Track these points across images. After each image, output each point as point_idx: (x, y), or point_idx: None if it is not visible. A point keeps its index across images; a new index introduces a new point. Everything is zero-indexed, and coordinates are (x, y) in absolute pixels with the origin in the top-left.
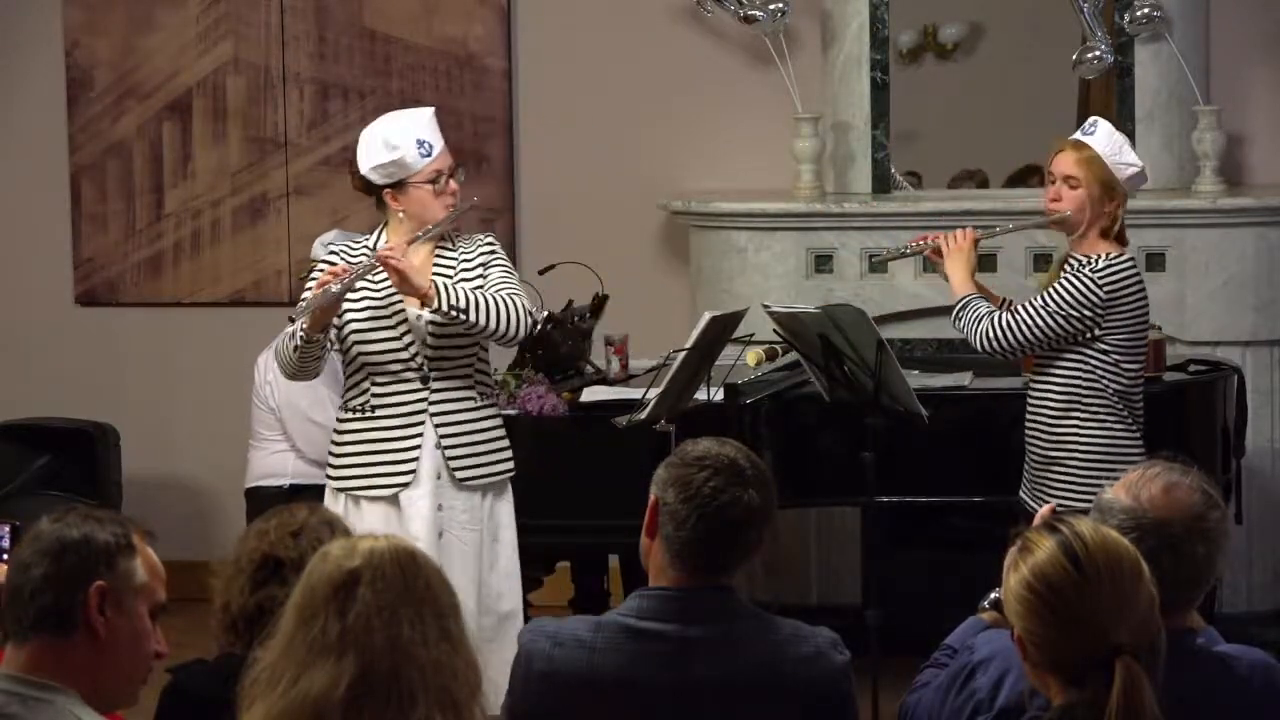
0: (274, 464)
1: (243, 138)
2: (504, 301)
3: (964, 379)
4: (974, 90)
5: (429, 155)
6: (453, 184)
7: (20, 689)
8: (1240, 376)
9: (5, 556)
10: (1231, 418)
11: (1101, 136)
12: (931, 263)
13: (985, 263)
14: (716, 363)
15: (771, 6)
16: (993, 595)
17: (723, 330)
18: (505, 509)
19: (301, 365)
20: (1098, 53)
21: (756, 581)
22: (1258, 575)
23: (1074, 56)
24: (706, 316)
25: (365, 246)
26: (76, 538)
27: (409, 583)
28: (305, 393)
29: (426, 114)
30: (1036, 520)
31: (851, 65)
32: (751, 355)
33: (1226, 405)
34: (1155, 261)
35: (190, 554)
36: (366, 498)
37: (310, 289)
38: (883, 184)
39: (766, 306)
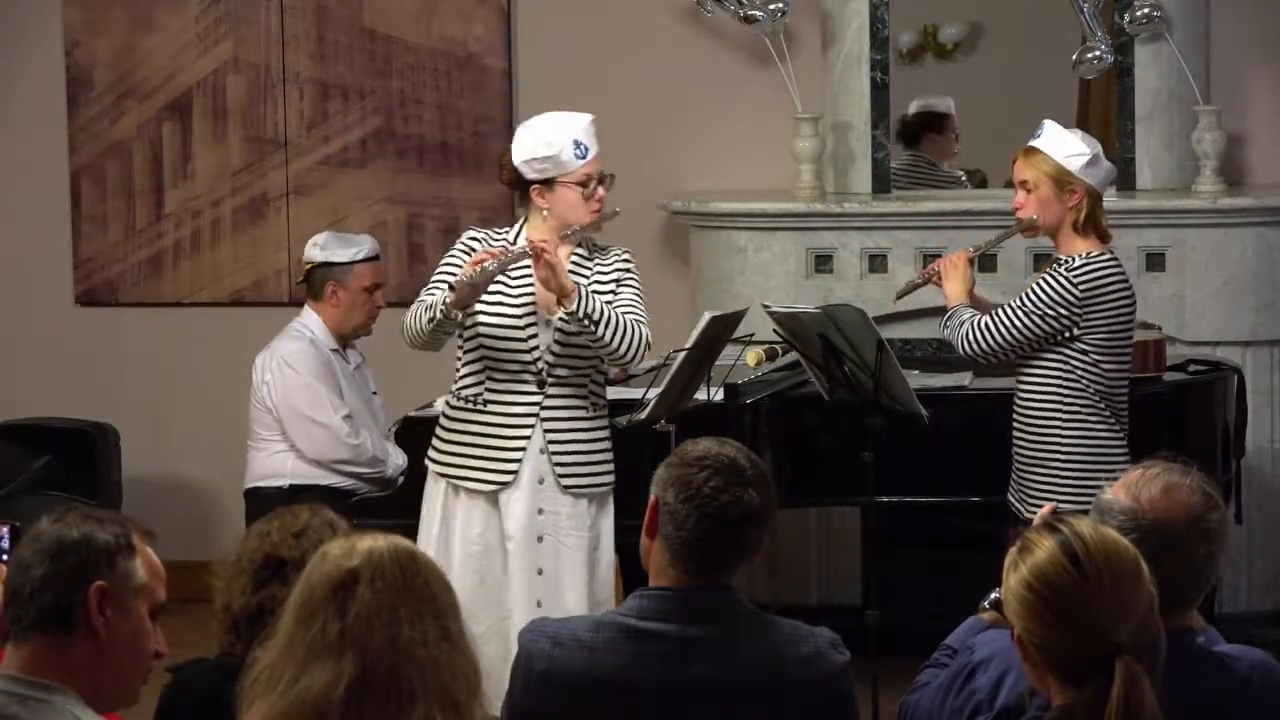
0: (273, 464)
1: (243, 138)
2: (631, 326)
3: (964, 379)
4: (974, 90)
5: (584, 158)
6: (601, 190)
7: (20, 689)
8: (1240, 376)
9: (5, 557)
10: (1231, 418)
11: (1047, 136)
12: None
13: (986, 263)
14: (716, 363)
15: (771, 6)
16: (993, 595)
17: (723, 330)
18: (607, 519)
19: (432, 338)
20: (1098, 53)
21: (756, 581)
22: (1258, 575)
23: (1074, 56)
24: (706, 316)
25: (504, 239)
26: (76, 538)
27: (408, 582)
28: (304, 393)
29: (586, 119)
30: (1037, 520)
31: (851, 65)
32: (751, 355)
33: (1226, 405)
34: (1155, 261)
35: (190, 554)
36: (466, 490)
37: (449, 266)
38: (883, 184)
39: (766, 306)
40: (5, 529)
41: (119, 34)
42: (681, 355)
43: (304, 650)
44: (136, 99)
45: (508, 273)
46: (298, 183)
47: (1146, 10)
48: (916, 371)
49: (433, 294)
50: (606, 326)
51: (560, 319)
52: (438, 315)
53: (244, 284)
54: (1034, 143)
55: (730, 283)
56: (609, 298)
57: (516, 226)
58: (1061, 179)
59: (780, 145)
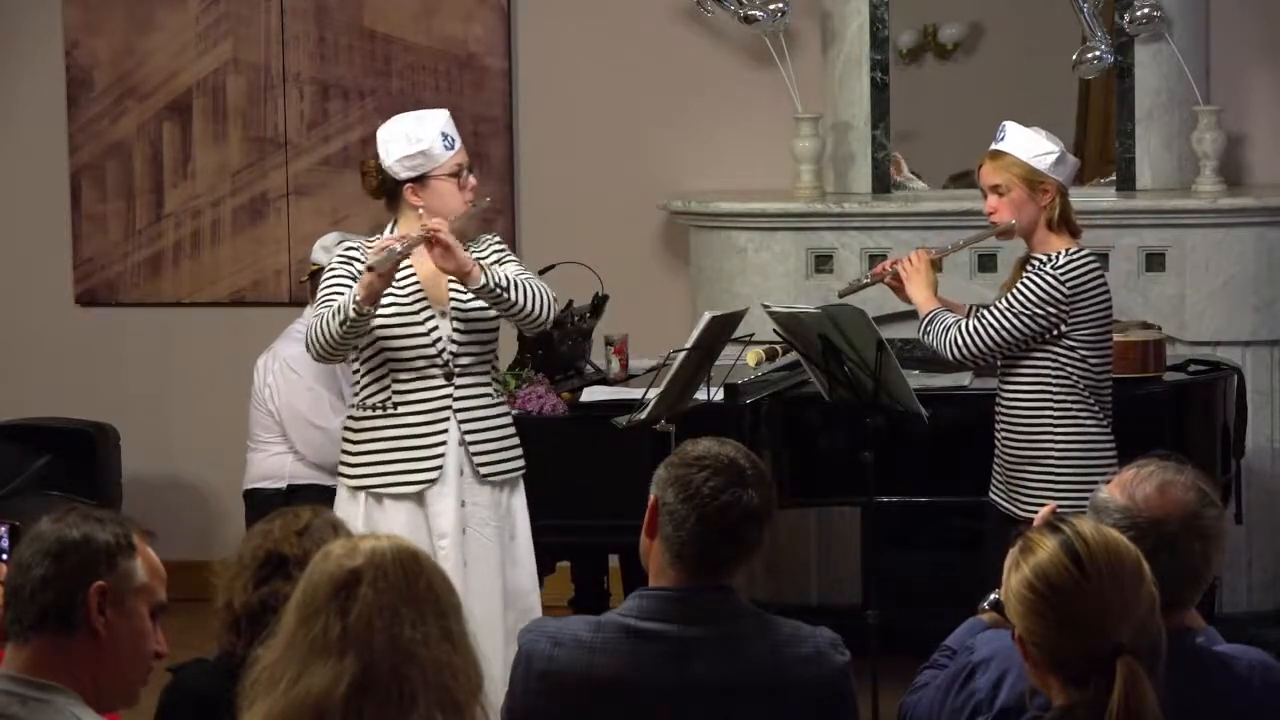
0: (272, 466)
1: (243, 138)
2: (534, 285)
3: (964, 379)
4: (974, 90)
5: (452, 148)
6: (472, 179)
7: (20, 689)
8: (1240, 376)
9: (5, 557)
10: (1231, 418)
11: (1012, 138)
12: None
13: (985, 263)
14: (716, 363)
15: (771, 6)
16: (993, 596)
17: (723, 330)
18: (520, 505)
19: (343, 341)
20: (1098, 53)
21: (756, 581)
22: (1258, 575)
23: (1074, 56)
24: (706, 316)
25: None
26: (77, 538)
27: (410, 582)
28: (306, 396)
29: (444, 113)
30: (1038, 520)
31: (851, 65)
32: (751, 355)
33: (1226, 405)
34: (1155, 261)
35: (190, 554)
36: (390, 495)
37: (331, 282)
38: (883, 184)
39: (766, 306)
40: (5, 529)
41: (119, 34)
42: (681, 355)
43: (305, 650)
44: (136, 99)
45: (394, 275)
46: (298, 183)
47: (1146, 10)
48: (916, 371)
49: (330, 304)
50: (517, 291)
51: (455, 308)
52: (350, 315)
53: (244, 284)
54: (999, 146)
55: (730, 283)
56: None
57: (387, 231)
58: (1033, 179)
59: (780, 145)
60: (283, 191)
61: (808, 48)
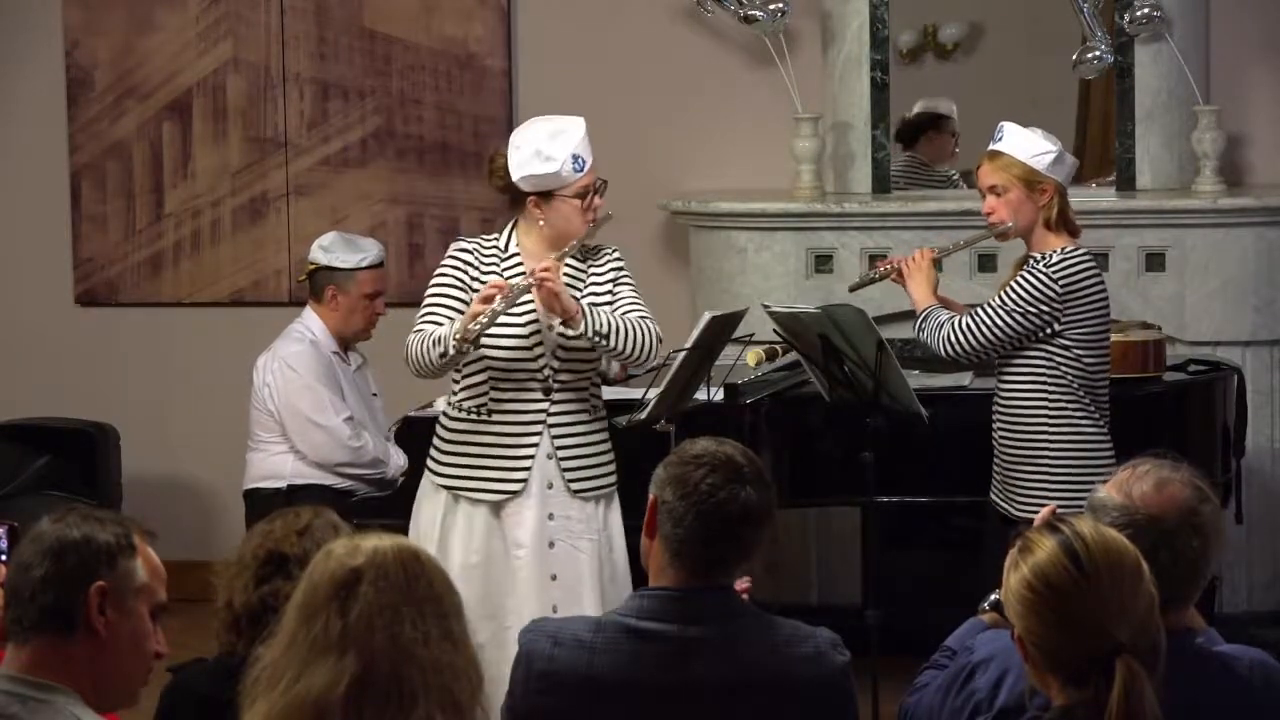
0: (272, 465)
1: (243, 138)
2: (639, 327)
3: (964, 379)
4: (974, 90)
5: (581, 171)
6: (598, 200)
7: (20, 689)
8: (1240, 376)
9: (5, 557)
10: (1231, 418)
11: (1009, 138)
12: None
13: (985, 263)
14: (716, 363)
15: (771, 6)
16: (993, 596)
17: (723, 330)
18: (616, 519)
19: (441, 370)
20: (1098, 53)
21: (756, 581)
22: (1258, 575)
23: (1074, 56)
24: (706, 316)
25: (495, 246)
26: (77, 538)
27: (411, 582)
28: (306, 395)
29: (580, 127)
30: (1038, 520)
31: (851, 65)
32: (751, 355)
33: (1226, 405)
34: (1155, 261)
35: (190, 554)
36: (470, 499)
37: (444, 285)
38: (883, 184)
39: (766, 306)
40: (4, 529)
41: (119, 34)
42: (681, 355)
43: (306, 649)
44: (136, 99)
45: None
46: (298, 183)
47: (1146, 10)
48: (916, 371)
49: (433, 318)
50: (617, 336)
51: (559, 333)
52: (449, 351)
53: (244, 284)
54: (997, 146)
55: (730, 283)
56: (607, 297)
57: (506, 232)
58: (1031, 179)
59: (780, 145)
60: (283, 191)
61: (808, 48)
